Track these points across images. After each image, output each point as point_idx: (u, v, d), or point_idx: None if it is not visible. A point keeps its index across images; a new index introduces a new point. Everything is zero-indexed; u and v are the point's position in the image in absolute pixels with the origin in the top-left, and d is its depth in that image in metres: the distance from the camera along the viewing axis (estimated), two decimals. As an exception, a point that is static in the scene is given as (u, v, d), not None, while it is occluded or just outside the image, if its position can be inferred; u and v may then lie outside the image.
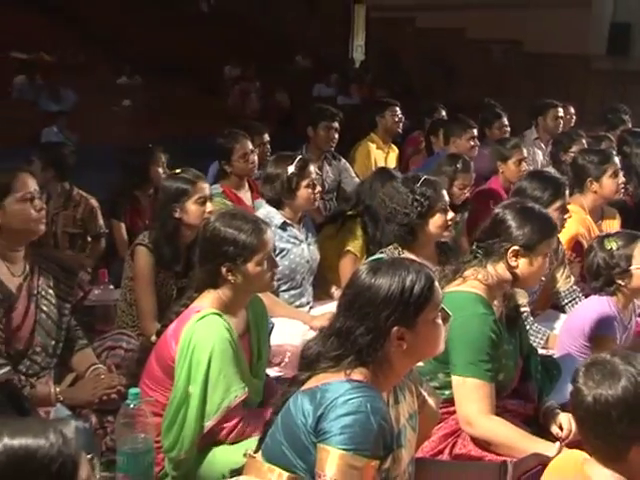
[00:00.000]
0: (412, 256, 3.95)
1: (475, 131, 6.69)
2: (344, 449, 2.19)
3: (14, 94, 14.04)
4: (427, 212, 3.98)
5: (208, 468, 3.06)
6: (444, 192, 4.06)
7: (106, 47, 18.15)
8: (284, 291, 4.67)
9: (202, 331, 3.03)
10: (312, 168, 4.75)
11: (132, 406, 2.95)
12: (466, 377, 3.05)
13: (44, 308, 3.48)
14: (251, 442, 2.84)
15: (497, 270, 3.20)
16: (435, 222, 4.01)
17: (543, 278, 3.79)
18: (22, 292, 3.41)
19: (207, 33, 19.41)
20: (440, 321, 2.46)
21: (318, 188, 4.79)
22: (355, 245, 4.91)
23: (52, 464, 1.44)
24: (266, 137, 6.41)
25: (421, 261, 3.88)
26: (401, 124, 7.45)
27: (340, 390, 2.28)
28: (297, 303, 4.71)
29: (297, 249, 4.67)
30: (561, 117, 7.76)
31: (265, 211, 4.68)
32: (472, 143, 6.63)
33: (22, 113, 13.02)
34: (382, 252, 4.03)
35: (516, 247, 3.18)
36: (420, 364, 3.11)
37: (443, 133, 6.98)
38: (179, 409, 3.04)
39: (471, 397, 3.03)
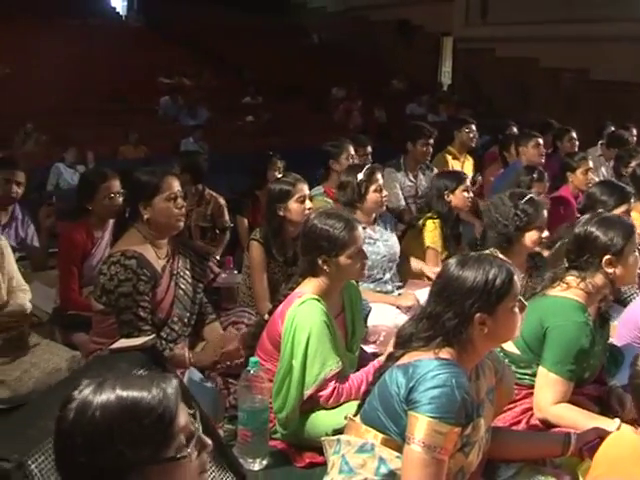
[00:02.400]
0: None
1: (540, 140, 6.56)
2: (431, 416, 2.18)
3: (160, 111, 14.33)
4: (524, 227, 3.80)
5: (312, 428, 3.07)
6: (545, 212, 3.88)
7: (234, 73, 18.42)
8: (369, 283, 4.63)
9: (302, 314, 3.05)
10: (379, 175, 4.68)
11: (251, 372, 2.98)
12: (550, 371, 2.96)
13: (182, 286, 3.56)
14: (350, 406, 2.84)
15: (596, 281, 3.05)
16: (530, 237, 3.84)
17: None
18: (165, 272, 3.49)
19: (317, 61, 19.52)
20: (517, 310, 2.41)
21: (385, 192, 4.72)
22: (434, 241, 4.88)
23: (153, 412, 1.48)
24: (369, 149, 6.39)
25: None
26: (475, 139, 7.30)
27: (429, 366, 2.27)
28: (382, 290, 4.66)
29: (372, 247, 4.58)
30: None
31: None
32: (538, 150, 6.50)
33: (166, 127, 13.29)
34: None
35: (608, 256, 3.03)
36: (519, 353, 3.08)
37: (514, 146, 6.88)
38: (284, 378, 3.07)
39: (549, 389, 2.96)
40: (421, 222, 4.97)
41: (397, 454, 2.31)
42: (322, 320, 3.05)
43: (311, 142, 12.20)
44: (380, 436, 2.36)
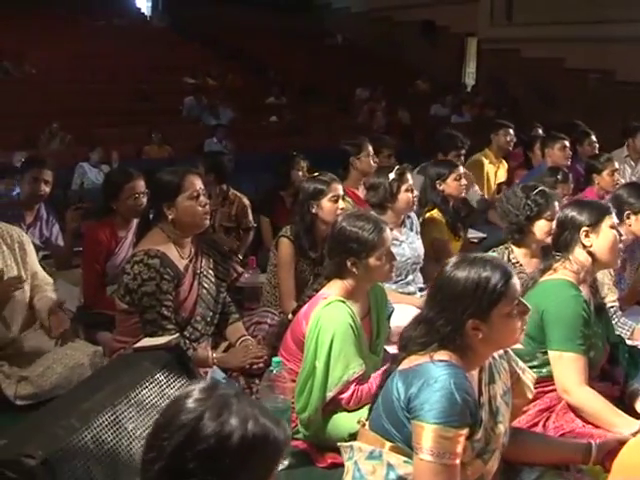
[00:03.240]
0: (520, 255, 3.94)
1: (566, 142, 6.53)
2: (436, 423, 2.15)
3: (184, 112, 14.38)
4: (535, 216, 3.88)
5: (333, 430, 3.07)
6: (556, 204, 3.92)
7: (258, 73, 18.47)
8: (393, 283, 4.59)
9: (327, 316, 3.04)
10: (409, 175, 4.68)
11: (274, 372, 2.99)
12: (563, 351, 2.97)
13: (205, 285, 3.57)
14: (365, 411, 2.83)
15: (577, 257, 3.15)
16: (540, 227, 3.89)
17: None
18: (188, 271, 3.51)
19: (341, 61, 19.51)
20: (517, 314, 2.30)
21: (416, 193, 4.72)
22: (440, 232, 4.99)
23: (274, 447, 1.49)
24: (392, 150, 6.37)
25: (527, 261, 3.85)
26: (512, 143, 7.28)
27: (427, 371, 2.23)
28: (405, 291, 4.65)
29: (398, 249, 4.52)
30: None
31: None
32: (564, 152, 6.48)
33: (190, 127, 13.33)
34: (494, 251, 3.96)
35: (584, 227, 3.14)
36: (519, 346, 3.04)
37: (539, 148, 6.84)
38: (307, 379, 3.06)
39: (569, 369, 2.96)
40: (421, 218, 5.03)
41: (405, 459, 2.29)
42: (347, 322, 3.05)
43: (335, 143, 12.20)
44: (387, 444, 2.33)
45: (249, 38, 20.42)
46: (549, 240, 4.06)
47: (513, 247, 3.98)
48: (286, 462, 3.00)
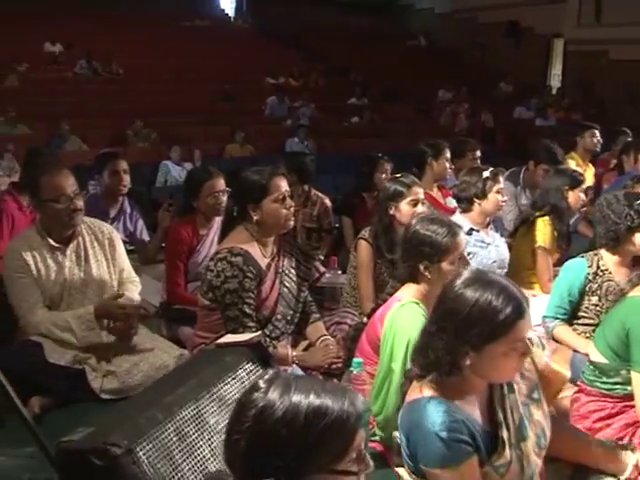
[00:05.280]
0: (611, 262, 3.79)
1: None
2: (436, 467, 2.09)
3: (266, 111, 14.54)
4: (636, 227, 3.68)
5: None
6: None
7: (341, 74, 18.52)
8: (475, 289, 4.56)
9: (402, 318, 3.02)
10: (501, 178, 4.60)
11: (354, 372, 2.98)
12: None
13: (286, 284, 3.59)
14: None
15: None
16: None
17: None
18: (270, 270, 3.53)
19: (424, 62, 19.44)
20: (516, 354, 2.09)
21: (505, 197, 4.64)
22: (545, 240, 4.73)
23: (338, 422, 1.51)
24: (478, 153, 6.30)
25: (616, 269, 3.71)
26: (599, 145, 7.11)
27: (416, 411, 2.15)
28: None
29: (484, 252, 4.52)
30: None
31: (453, 219, 4.61)
32: None
33: (271, 127, 13.48)
34: (582, 256, 3.86)
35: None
36: (604, 361, 2.98)
37: (634, 154, 6.65)
38: (384, 381, 3.04)
39: None
40: (531, 220, 4.84)
41: None
42: (422, 323, 3.03)
43: (415, 144, 12.16)
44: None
45: (332, 39, 20.55)
46: None
47: (604, 253, 3.82)
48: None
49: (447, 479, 2.09)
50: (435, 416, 2.08)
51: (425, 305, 3.09)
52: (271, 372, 1.62)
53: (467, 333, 2.06)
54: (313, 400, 1.51)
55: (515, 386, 2.28)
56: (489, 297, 2.05)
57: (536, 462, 2.27)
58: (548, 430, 2.32)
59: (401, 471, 2.34)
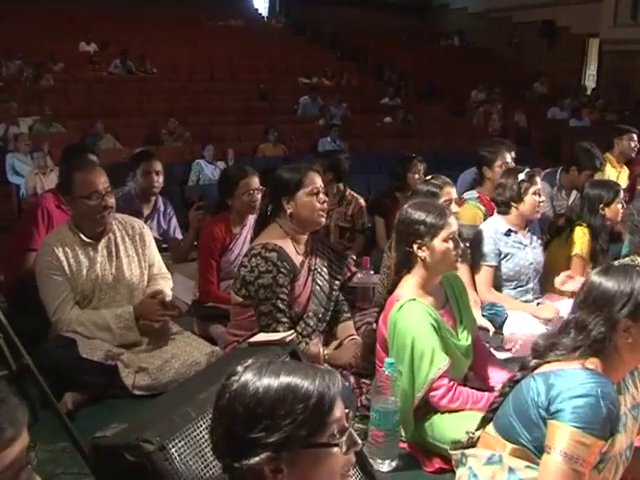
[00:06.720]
0: None
1: None
2: (575, 426, 2.09)
3: (299, 111, 14.55)
4: None
5: (439, 433, 3.03)
6: None
7: (373, 74, 18.50)
8: (512, 289, 4.53)
9: (402, 319, 3.03)
10: (538, 179, 4.54)
11: (387, 373, 2.97)
12: None
13: (319, 282, 3.60)
14: (472, 418, 2.74)
15: None
16: None
17: None
18: (304, 267, 3.55)
19: (457, 62, 19.31)
20: None
21: (543, 198, 4.57)
22: (582, 249, 4.68)
23: (314, 396, 1.54)
24: (513, 154, 6.20)
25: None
26: (636, 149, 7.01)
27: (574, 375, 2.17)
28: (523, 299, 4.53)
29: (521, 253, 4.49)
30: None
31: (492, 220, 4.57)
32: None
33: (304, 126, 13.47)
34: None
35: None
36: None
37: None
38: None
39: None
40: (570, 228, 4.78)
41: (526, 464, 2.25)
42: (424, 320, 3.03)
43: (448, 145, 12.12)
44: (509, 446, 2.30)
45: (365, 38, 20.52)
46: None
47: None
48: (394, 464, 3.00)
49: (577, 442, 2.09)
50: (603, 385, 2.13)
51: (426, 296, 3.10)
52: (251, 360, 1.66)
53: (624, 308, 2.19)
54: (283, 379, 1.56)
55: (623, 390, 2.35)
56: (633, 278, 2.22)
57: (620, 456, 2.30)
58: None
59: (460, 471, 2.36)
